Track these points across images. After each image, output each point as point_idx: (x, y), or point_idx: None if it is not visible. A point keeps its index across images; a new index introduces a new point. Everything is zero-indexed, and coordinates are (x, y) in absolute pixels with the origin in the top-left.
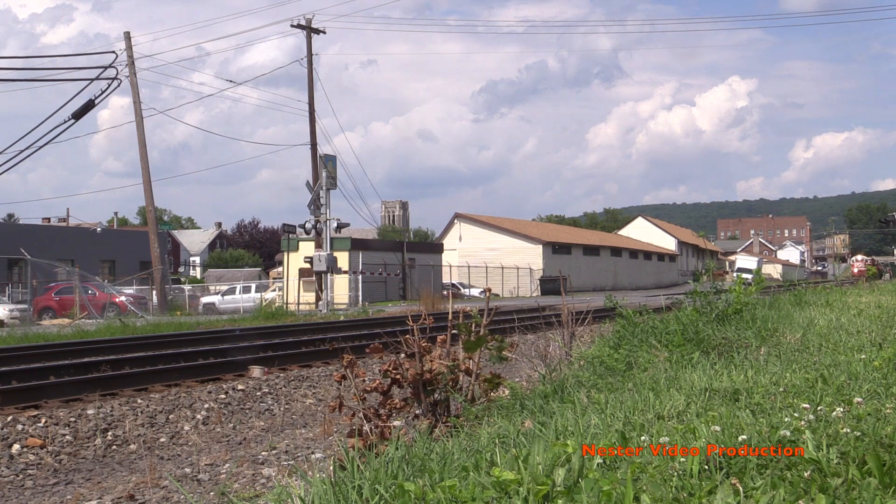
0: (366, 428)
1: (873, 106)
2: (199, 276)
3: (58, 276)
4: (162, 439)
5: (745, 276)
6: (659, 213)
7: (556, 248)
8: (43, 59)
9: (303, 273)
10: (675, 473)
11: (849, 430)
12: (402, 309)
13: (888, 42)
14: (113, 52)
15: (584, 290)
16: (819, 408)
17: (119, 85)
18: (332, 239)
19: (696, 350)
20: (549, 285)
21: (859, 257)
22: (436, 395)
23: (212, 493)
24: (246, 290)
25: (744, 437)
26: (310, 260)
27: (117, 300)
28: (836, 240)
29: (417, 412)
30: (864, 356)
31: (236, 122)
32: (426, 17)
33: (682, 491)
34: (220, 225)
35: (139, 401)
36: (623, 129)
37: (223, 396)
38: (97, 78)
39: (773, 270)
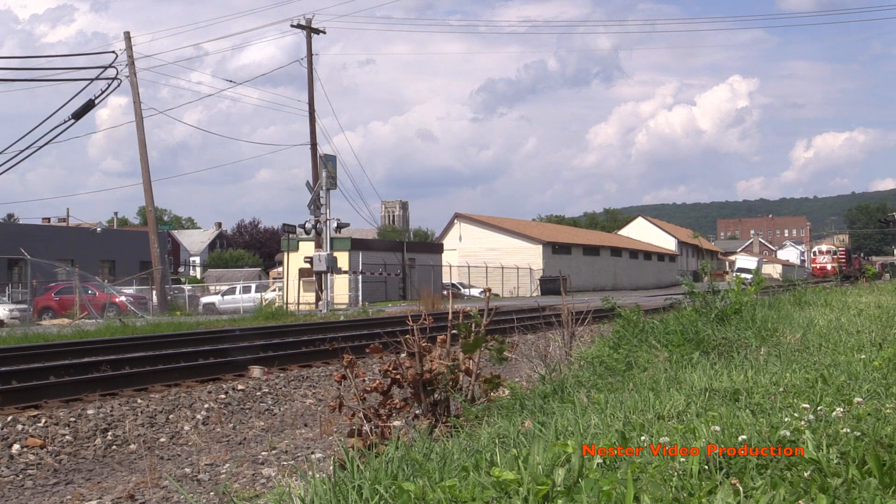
0: (366, 428)
1: (874, 106)
2: (199, 276)
3: (58, 276)
4: (162, 439)
5: (744, 276)
6: (659, 213)
7: (556, 248)
8: (42, 58)
9: (303, 273)
10: (675, 473)
11: (849, 430)
12: (402, 309)
13: (889, 42)
14: (113, 51)
15: (584, 290)
16: (819, 408)
17: (119, 85)
18: (332, 239)
19: (695, 350)
20: (549, 285)
21: (823, 248)
22: (436, 395)
23: (212, 493)
24: (246, 290)
25: (744, 437)
26: (310, 260)
27: (117, 300)
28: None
29: (417, 412)
30: (864, 356)
31: (236, 122)
32: (428, 16)
33: (682, 491)
34: (220, 225)
35: (139, 401)
36: (623, 128)
37: (223, 396)
38: (97, 78)
39: (773, 270)
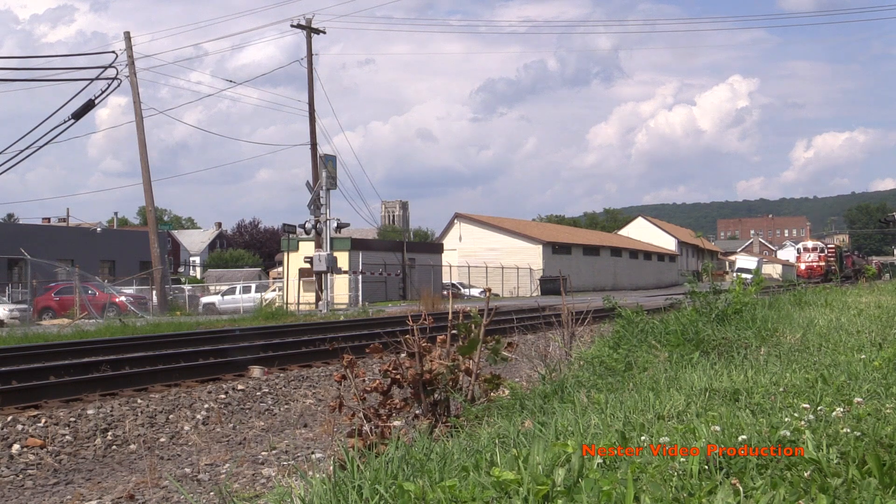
0: (366, 428)
1: (874, 106)
2: (199, 276)
3: (58, 276)
4: (162, 439)
5: (744, 276)
6: (659, 213)
7: (556, 248)
8: (42, 58)
9: (303, 273)
10: (675, 473)
11: (849, 430)
12: (402, 309)
13: (889, 42)
14: (113, 51)
15: (584, 290)
16: (819, 408)
17: (119, 85)
18: (332, 239)
19: (695, 350)
20: (549, 285)
21: (809, 245)
22: (436, 395)
23: (212, 493)
24: (246, 290)
25: (744, 437)
26: (310, 260)
27: (117, 300)
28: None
29: (417, 412)
30: (864, 356)
31: (235, 122)
32: (428, 16)
33: (682, 491)
34: (220, 225)
35: (139, 401)
36: (623, 128)
37: (223, 396)
38: (97, 78)
39: (773, 270)
